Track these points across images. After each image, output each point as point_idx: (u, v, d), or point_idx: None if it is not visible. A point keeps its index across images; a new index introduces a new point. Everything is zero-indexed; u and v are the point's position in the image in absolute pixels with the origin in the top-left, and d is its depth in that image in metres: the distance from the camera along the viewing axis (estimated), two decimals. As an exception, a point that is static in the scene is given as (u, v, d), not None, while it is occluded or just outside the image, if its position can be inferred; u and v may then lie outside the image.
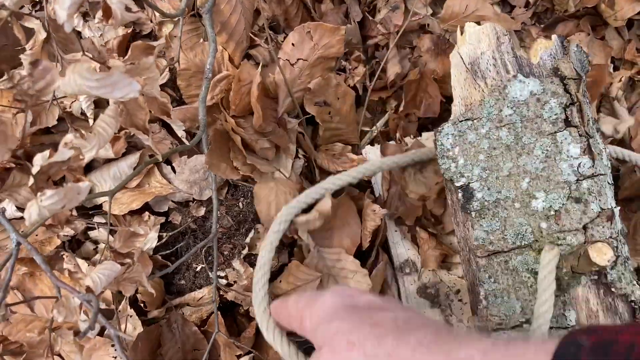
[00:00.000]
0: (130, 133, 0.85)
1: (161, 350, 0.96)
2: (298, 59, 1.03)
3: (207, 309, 0.98)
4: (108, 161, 0.99)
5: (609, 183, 0.87)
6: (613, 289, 0.81)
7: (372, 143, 1.14)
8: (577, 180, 0.83)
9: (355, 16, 1.20)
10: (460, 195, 0.89)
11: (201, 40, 1.04)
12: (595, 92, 1.22)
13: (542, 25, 1.32)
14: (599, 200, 0.83)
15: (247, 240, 0.98)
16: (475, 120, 0.89)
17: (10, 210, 0.92)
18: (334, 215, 0.97)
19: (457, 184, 0.89)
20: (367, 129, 1.14)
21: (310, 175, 1.08)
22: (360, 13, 1.21)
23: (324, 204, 0.92)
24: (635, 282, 0.83)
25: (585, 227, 0.82)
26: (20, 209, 0.92)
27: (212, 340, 0.93)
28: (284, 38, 1.06)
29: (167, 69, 0.99)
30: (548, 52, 0.90)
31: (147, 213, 0.95)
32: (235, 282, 0.97)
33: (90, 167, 1.01)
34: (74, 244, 1.00)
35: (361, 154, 1.10)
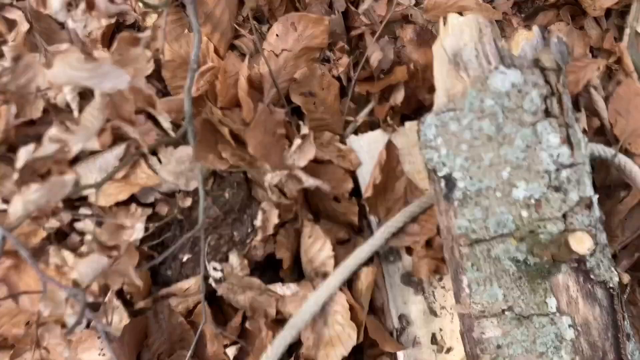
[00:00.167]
0: (117, 125, 0.84)
1: (148, 341, 0.97)
2: (282, 50, 1.03)
3: (194, 299, 0.99)
4: (94, 152, 0.99)
5: (587, 172, 0.89)
6: (592, 276, 0.83)
7: (356, 132, 1.15)
8: (557, 169, 0.85)
9: (339, 7, 1.20)
10: (442, 184, 0.90)
11: (185, 31, 1.03)
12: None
13: (522, 15, 1.33)
14: (578, 189, 0.85)
15: (258, 222, 0.99)
16: (457, 111, 0.90)
17: (-5, 203, 0.92)
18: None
19: (440, 174, 0.90)
20: (351, 118, 1.15)
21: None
22: (344, 3, 1.21)
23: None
24: (613, 269, 0.85)
25: (565, 216, 0.84)
26: (5, 201, 0.92)
27: (199, 332, 0.94)
28: (268, 29, 1.06)
29: (152, 61, 0.98)
30: (529, 43, 0.92)
31: (133, 205, 0.95)
32: (227, 277, 0.98)
33: (75, 159, 1.00)
34: (60, 236, 0.99)
35: (346, 143, 1.11)
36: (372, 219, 1.10)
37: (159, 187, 0.98)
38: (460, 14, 0.94)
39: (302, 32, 1.03)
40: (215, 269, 0.96)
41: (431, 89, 1.03)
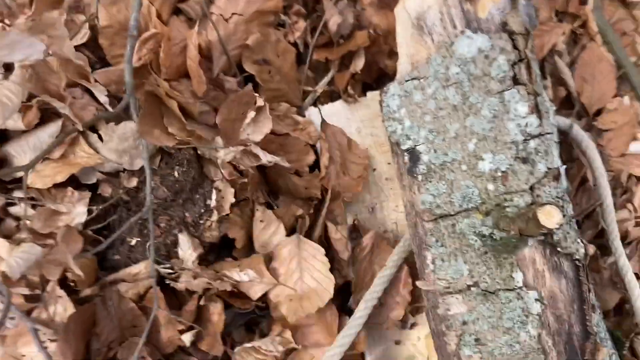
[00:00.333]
0: (44, 101, 0.76)
1: (96, 330, 0.91)
2: (233, 14, 0.96)
3: (145, 284, 0.94)
4: (27, 130, 0.90)
5: (555, 142, 0.86)
6: (559, 249, 0.81)
7: (315, 104, 1.09)
8: (525, 140, 0.82)
9: (295, -34, 1.13)
10: (406, 158, 0.87)
11: (125, -7, 0.95)
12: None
13: (488, -23, 1.29)
14: (546, 159, 0.82)
15: (213, 202, 0.93)
16: (421, 80, 0.86)
17: None
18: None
19: (404, 147, 0.87)
20: (309, 88, 1.09)
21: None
22: (300, -37, 1.14)
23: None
24: (579, 241, 0.83)
25: (532, 188, 0.81)
26: None
27: (151, 317, 0.89)
28: (217, -10, 0.98)
29: (88, 27, 0.89)
30: (496, 6, 0.87)
31: (69, 188, 0.87)
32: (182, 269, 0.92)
33: (7, 137, 0.92)
34: (-6, 221, 0.92)
35: (304, 115, 1.05)
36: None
37: (101, 166, 0.91)
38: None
39: (255, -6, 0.96)
40: (165, 267, 0.90)
41: (393, 55, 0.98)
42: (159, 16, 0.94)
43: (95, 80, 0.84)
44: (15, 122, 0.82)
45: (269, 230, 0.96)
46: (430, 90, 0.86)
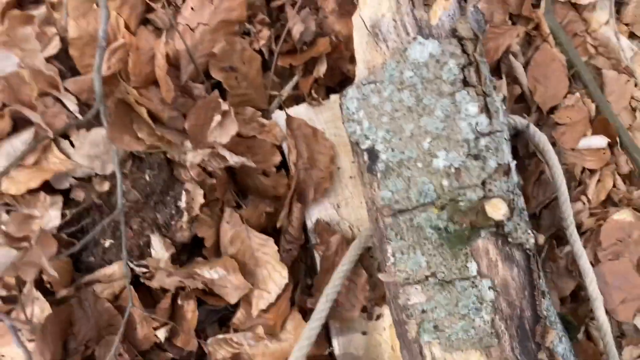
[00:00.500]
0: (15, 110, 0.79)
1: (73, 330, 0.94)
2: (199, 24, 1.00)
3: (120, 284, 0.97)
4: (0, 139, 0.93)
5: (506, 139, 0.91)
6: (510, 239, 0.86)
7: (281, 107, 1.13)
8: (476, 138, 0.87)
9: (259, -24, 1.17)
10: (366, 157, 0.91)
11: (94, 6, 0.97)
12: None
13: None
14: (497, 156, 0.87)
15: (183, 204, 0.96)
16: (378, 83, 0.90)
17: None
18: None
19: (363, 147, 0.91)
20: (275, 93, 1.13)
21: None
22: (263, -27, 1.18)
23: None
24: (529, 231, 0.88)
25: (484, 183, 0.86)
26: None
27: (126, 316, 0.92)
28: (183, 1, 1.01)
29: (59, 39, 0.92)
30: (447, 12, 0.92)
31: (42, 193, 0.90)
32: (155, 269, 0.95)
33: (-20, 145, 0.94)
34: (-31, 227, 0.94)
35: (271, 119, 1.09)
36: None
37: (74, 172, 0.94)
38: (379, -16, 0.93)
39: (219, 5, 0.99)
40: (139, 265, 0.93)
41: (354, 61, 1.02)
42: (127, 27, 0.97)
43: (66, 90, 0.87)
44: (-13, 131, 0.85)
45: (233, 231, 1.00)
46: (386, 93, 0.90)
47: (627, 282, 1.15)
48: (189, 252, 1.04)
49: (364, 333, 1.07)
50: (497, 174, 0.87)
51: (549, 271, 1.20)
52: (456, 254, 0.86)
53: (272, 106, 1.13)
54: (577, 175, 1.26)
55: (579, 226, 1.22)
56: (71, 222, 0.95)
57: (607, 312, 1.13)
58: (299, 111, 1.12)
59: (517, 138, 1.23)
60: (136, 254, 0.98)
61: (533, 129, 1.16)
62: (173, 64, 0.98)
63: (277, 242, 1.01)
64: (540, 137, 1.16)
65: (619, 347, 1.17)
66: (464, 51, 0.89)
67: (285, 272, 0.97)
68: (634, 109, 1.33)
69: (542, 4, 1.32)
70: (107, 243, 0.96)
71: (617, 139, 1.25)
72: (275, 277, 0.98)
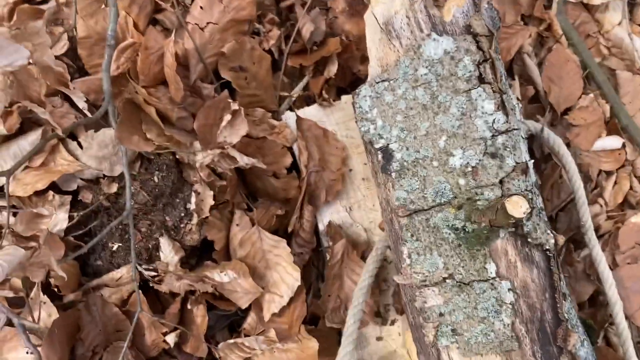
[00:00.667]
0: (27, 107, 0.78)
1: (81, 335, 0.92)
2: (208, 23, 0.99)
3: (128, 289, 0.95)
4: (8, 139, 0.92)
5: (522, 137, 0.89)
6: (529, 239, 0.83)
7: (291, 109, 1.12)
8: (493, 136, 0.85)
9: (268, -23, 1.16)
10: (380, 156, 0.89)
11: (103, 6, 0.97)
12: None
13: (455, -17, 1.33)
14: (514, 154, 0.85)
15: (192, 205, 0.95)
16: (391, 81, 0.89)
17: None
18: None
19: (377, 146, 0.89)
20: (285, 94, 1.12)
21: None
22: (273, -27, 1.17)
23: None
24: (549, 232, 0.86)
25: (501, 182, 0.84)
26: None
27: (135, 321, 0.90)
28: (192, 1, 1.00)
29: (67, 38, 0.91)
30: (460, 9, 0.91)
31: (50, 192, 0.89)
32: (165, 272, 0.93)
33: (-13, 147, 0.93)
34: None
35: (281, 120, 1.08)
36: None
37: (81, 173, 0.93)
38: (391, -20, 0.92)
39: (228, 4, 0.98)
40: (147, 269, 0.92)
41: (365, 60, 1.01)
42: (135, 26, 0.97)
43: (74, 87, 0.86)
44: (-3, 127, 0.83)
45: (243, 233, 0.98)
46: (400, 91, 0.88)
47: (647, 286, 1.12)
48: (198, 255, 1.02)
49: (379, 339, 1.05)
50: (515, 172, 0.85)
51: (567, 275, 1.17)
52: (474, 255, 0.84)
53: (282, 107, 1.11)
54: (593, 178, 1.24)
55: (596, 229, 1.19)
56: (79, 225, 0.94)
57: (627, 317, 1.10)
58: (310, 112, 1.10)
59: (532, 141, 1.21)
60: (145, 257, 0.96)
61: (547, 132, 1.15)
62: (182, 63, 0.97)
63: (288, 246, 0.99)
64: (556, 140, 1.14)
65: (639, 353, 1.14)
66: (479, 48, 0.87)
67: (297, 274, 0.95)
68: (649, 110, 1.31)
69: (554, 5, 1.31)
70: (115, 246, 0.94)
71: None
72: (287, 279, 0.96)
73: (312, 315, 1.04)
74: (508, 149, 0.85)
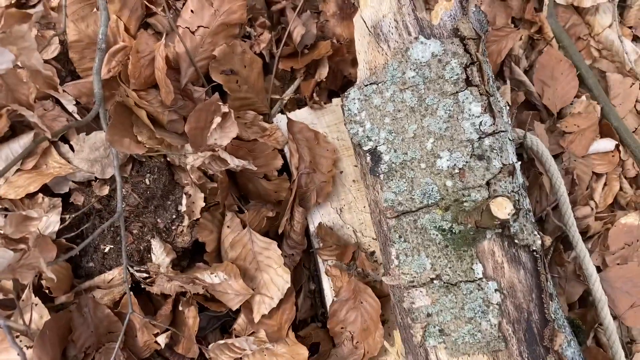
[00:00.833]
0: (16, 111, 0.78)
1: (72, 336, 0.93)
2: (199, 27, 0.99)
3: (120, 290, 0.95)
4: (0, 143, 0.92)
5: (509, 139, 0.90)
6: (516, 240, 0.84)
7: (282, 111, 1.13)
8: (480, 138, 0.86)
9: (259, -20, 1.17)
10: (368, 158, 0.90)
11: (94, 10, 0.97)
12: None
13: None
14: (501, 156, 0.86)
15: (183, 207, 0.95)
16: (380, 84, 0.90)
17: None
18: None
19: (365, 148, 0.90)
20: (276, 96, 1.13)
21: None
22: (264, -23, 1.18)
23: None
24: (536, 233, 0.87)
25: (488, 183, 0.85)
26: None
27: (126, 322, 0.91)
28: (183, 5, 1.01)
29: (59, 42, 0.92)
30: (448, 13, 0.91)
31: (40, 195, 0.89)
32: (156, 273, 0.94)
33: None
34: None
35: (272, 122, 1.09)
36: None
37: (73, 176, 0.93)
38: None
39: (219, 7, 0.99)
40: (139, 271, 0.92)
41: (356, 64, 1.02)
42: (127, 30, 0.97)
43: (64, 90, 0.87)
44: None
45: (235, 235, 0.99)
46: (388, 94, 0.89)
47: (636, 286, 1.13)
48: (189, 257, 1.03)
49: (369, 339, 1.05)
50: (502, 174, 0.85)
51: (557, 276, 1.18)
52: (461, 256, 0.85)
53: (273, 110, 1.12)
54: (585, 181, 1.24)
55: (586, 230, 1.20)
56: (71, 227, 0.94)
57: (616, 317, 1.11)
58: (301, 115, 1.11)
59: (521, 143, 1.22)
60: (136, 259, 0.97)
61: (531, 137, 1.15)
62: (173, 67, 0.98)
63: (279, 247, 0.99)
64: (538, 144, 1.15)
65: (629, 353, 1.15)
66: (466, 50, 0.88)
67: (287, 276, 0.96)
68: (639, 112, 1.32)
69: (545, 8, 1.31)
70: (107, 248, 0.95)
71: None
72: (277, 281, 0.97)
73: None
74: (495, 151, 0.86)
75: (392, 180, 0.88)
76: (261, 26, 1.09)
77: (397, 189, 0.88)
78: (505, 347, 0.82)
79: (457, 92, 0.87)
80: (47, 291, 0.91)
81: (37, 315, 0.89)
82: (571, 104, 1.29)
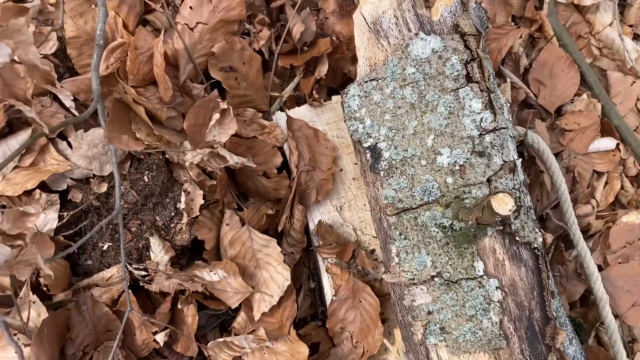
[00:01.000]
0: (14, 106, 0.78)
1: (71, 334, 0.92)
2: (197, 23, 0.99)
3: (118, 288, 0.95)
4: (-3, 139, 0.92)
5: (510, 136, 0.90)
6: (517, 238, 0.84)
7: (282, 109, 1.12)
8: (480, 134, 0.85)
9: (258, -23, 1.16)
10: (368, 155, 0.89)
11: (93, 6, 0.97)
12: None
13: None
14: (502, 153, 0.85)
15: (182, 205, 0.95)
16: (379, 80, 0.90)
17: None
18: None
19: (365, 145, 0.90)
20: (276, 94, 1.12)
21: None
22: (263, -26, 1.17)
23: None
24: (537, 230, 0.86)
25: (489, 180, 0.84)
26: None
27: (125, 320, 0.90)
28: (182, 1, 1.01)
29: (57, 38, 0.92)
30: (448, 9, 0.91)
31: (37, 191, 0.89)
32: (155, 271, 0.93)
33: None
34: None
35: (272, 120, 1.08)
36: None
37: (71, 173, 0.93)
38: (380, -20, 0.92)
39: (218, 4, 0.99)
40: (137, 269, 0.91)
41: (356, 61, 1.01)
42: (125, 26, 0.97)
43: (62, 86, 0.86)
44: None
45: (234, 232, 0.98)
46: (388, 90, 0.89)
47: (637, 285, 1.13)
48: (188, 255, 1.02)
49: (369, 338, 1.04)
50: (503, 171, 0.85)
51: (558, 274, 1.17)
52: (462, 253, 0.84)
53: (272, 107, 1.12)
54: (586, 179, 1.24)
55: (587, 229, 1.20)
56: (69, 225, 0.94)
57: (617, 316, 1.10)
58: (300, 112, 1.10)
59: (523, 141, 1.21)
60: (135, 257, 0.96)
61: (531, 134, 1.15)
62: (172, 63, 0.98)
63: (279, 245, 0.99)
64: (539, 142, 1.14)
65: (631, 353, 1.14)
66: (466, 47, 0.88)
67: (287, 274, 0.95)
68: (640, 111, 1.32)
69: (545, 6, 1.31)
70: (105, 246, 0.94)
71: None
72: (277, 279, 0.96)
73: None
74: (496, 148, 0.85)
75: (392, 177, 0.88)
76: (260, 23, 1.09)
77: (397, 186, 0.87)
78: (506, 345, 0.81)
79: (457, 89, 0.87)
80: (45, 289, 0.90)
81: (35, 313, 0.89)
82: (572, 101, 1.28)
